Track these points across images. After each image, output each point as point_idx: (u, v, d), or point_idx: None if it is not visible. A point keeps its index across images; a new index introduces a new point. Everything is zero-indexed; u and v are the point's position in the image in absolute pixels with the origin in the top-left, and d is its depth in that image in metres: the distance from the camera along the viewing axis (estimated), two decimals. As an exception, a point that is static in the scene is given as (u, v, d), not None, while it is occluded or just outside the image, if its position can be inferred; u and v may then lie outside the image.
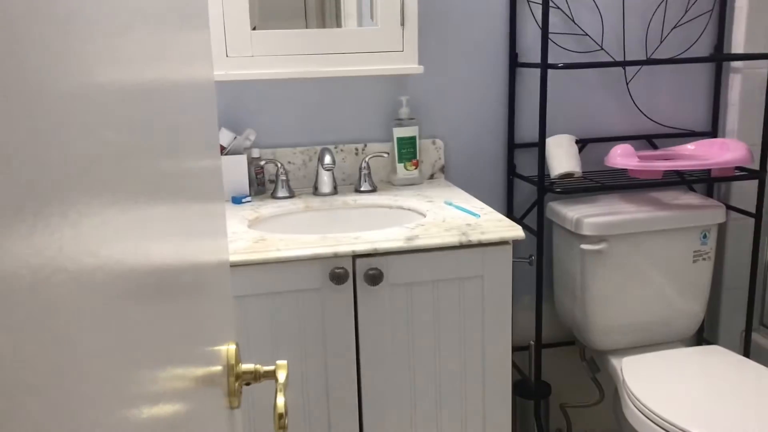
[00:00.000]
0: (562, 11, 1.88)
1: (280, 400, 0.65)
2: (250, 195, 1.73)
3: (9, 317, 0.22)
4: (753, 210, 1.88)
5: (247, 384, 0.71)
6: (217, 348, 0.69)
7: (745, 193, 2.00)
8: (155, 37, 0.49)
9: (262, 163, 1.77)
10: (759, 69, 1.92)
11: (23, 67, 0.25)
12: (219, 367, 0.69)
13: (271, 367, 0.72)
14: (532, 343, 2.02)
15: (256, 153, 1.77)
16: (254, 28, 1.70)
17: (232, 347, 0.72)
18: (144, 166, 0.44)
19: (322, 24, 1.76)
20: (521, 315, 2.04)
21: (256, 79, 1.74)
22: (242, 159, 1.70)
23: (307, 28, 1.74)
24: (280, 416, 0.63)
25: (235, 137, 1.73)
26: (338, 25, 1.76)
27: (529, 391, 1.98)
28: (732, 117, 1.99)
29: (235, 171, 1.70)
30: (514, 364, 2.03)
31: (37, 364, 0.24)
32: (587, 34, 1.90)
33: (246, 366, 0.72)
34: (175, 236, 0.53)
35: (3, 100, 0.23)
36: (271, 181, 1.81)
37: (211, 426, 0.66)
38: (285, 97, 1.80)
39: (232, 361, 0.71)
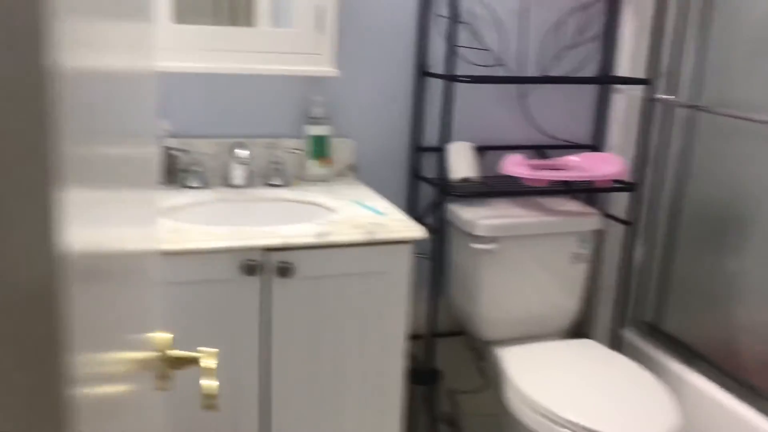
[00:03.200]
0: (468, 26, 2.01)
1: (209, 383, 0.73)
2: (161, 184, 1.77)
3: None
4: (626, 218, 2.10)
5: (177, 369, 0.79)
6: (150, 335, 0.76)
7: (620, 202, 2.22)
8: (117, 26, 0.52)
9: (176, 152, 1.81)
10: (639, 92, 2.13)
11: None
12: (151, 353, 0.76)
13: (200, 354, 0.80)
14: (425, 332, 2.16)
15: (170, 142, 1.80)
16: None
17: (166, 335, 0.80)
18: (97, 151, 0.47)
19: (238, 22, 1.81)
20: (421, 306, 2.18)
21: (174, 71, 1.78)
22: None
23: (222, 25, 1.80)
24: (209, 396, 0.72)
25: (150, 126, 1.75)
26: (254, 24, 1.83)
27: (421, 378, 2.12)
28: (613, 133, 2.20)
29: (149, 159, 1.74)
30: (410, 352, 2.17)
31: None
32: (490, 50, 2.05)
33: (176, 352, 0.80)
34: (130, 223, 0.59)
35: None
36: (184, 171, 1.85)
37: (145, 406, 0.74)
38: (202, 90, 1.85)
39: (165, 347, 0.78)
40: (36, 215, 0.32)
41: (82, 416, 0.38)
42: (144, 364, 0.73)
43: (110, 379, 0.52)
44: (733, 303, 1.95)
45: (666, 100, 2.09)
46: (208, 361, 0.77)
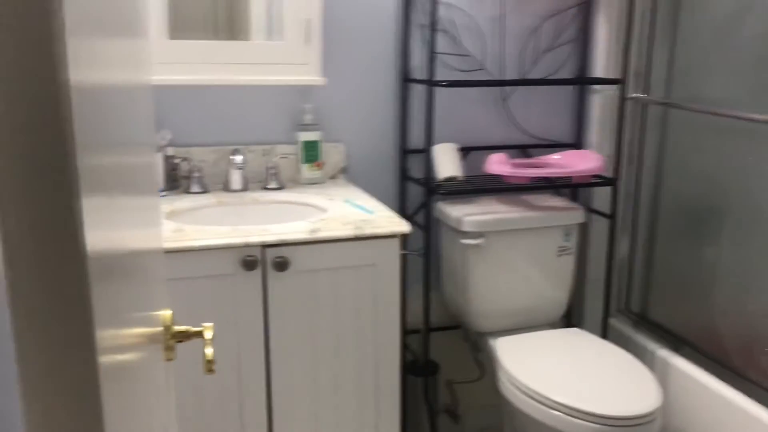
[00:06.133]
0: (448, 33, 2.13)
1: (209, 351, 0.83)
2: (165, 190, 1.88)
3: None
4: (609, 212, 2.20)
5: (180, 341, 0.89)
6: (157, 313, 0.87)
7: (604, 197, 2.32)
8: (118, 43, 0.58)
9: (177, 160, 1.92)
10: (614, 91, 2.24)
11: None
12: (158, 328, 0.87)
13: (200, 329, 0.90)
14: (422, 327, 2.26)
15: (170, 151, 1.91)
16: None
17: (168, 312, 0.90)
18: (109, 161, 0.54)
19: (231, 36, 1.93)
20: (415, 302, 2.27)
21: (173, 84, 1.89)
22: (158, 157, 1.85)
23: (216, 39, 1.91)
24: (209, 362, 0.82)
25: (152, 137, 1.87)
26: (246, 38, 1.94)
27: (419, 370, 2.21)
28: (592, 132, 2.30)
29: (152, 168, 1.85)
30: (407, 346, 2.27)
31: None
32: (470, 55, 2.16)
33: (179, 327, 0.90)
34: (137, 226, 0.69)
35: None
36: (185, 178, 1.96)
37: (154, 373, 0.84)
38: (199, 101, 1.96)
39: (168, 323, 0.89)
40: (62, 220, 0.36)
41: (108, 379, 0.45)
42: (153, 337, 0.83)
43: (127, 349, 0.60)
44: (712, 290, 2.04)
45: (639, 98, 2.20)
46: (209, 333, 0.88)
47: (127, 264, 0.59)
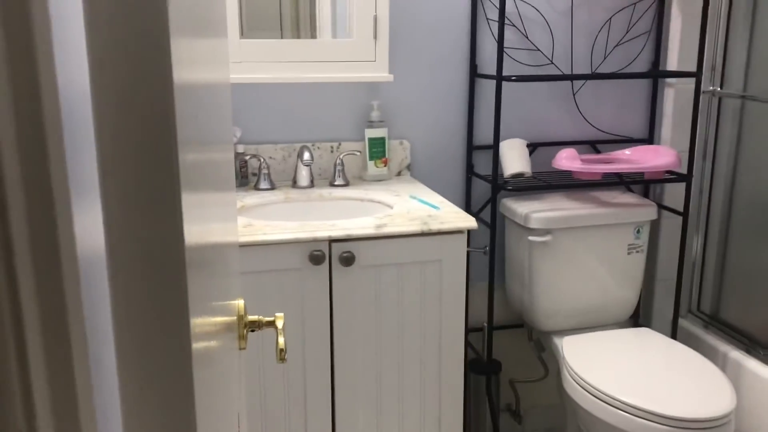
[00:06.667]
0: (517, 28, 2.11)
1: (281, 340, 0.85)
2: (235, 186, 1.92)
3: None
4: (681, 209, 2.13)
5: (252, 330, 0.91)
6: (233, 302, 0.89)
7: (676, 194, 2.25)
8: (207, 42, 0.60)
9: (247, 157, 1.96)
10: (689, 85, 2.17)
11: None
12: (234, 317, 0.89)
13: (272, 318, 0.92)
14: (485, 324, 2.25)
15: (240, 148, 1.96)
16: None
17: (241, 302, 0.92)
18: (207, 157, 0.60)
19: (297, 35, 1.96)
20: (477, 300, 2.27)
21: (243, 83, 1.94)
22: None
23: (285, 38, 1.94)
24: (281, 351, 0.84)
25: (223, 134, 1.92)
26: (312, 36, 1.97)
27: (482, 368, 2.21)
28: (666, 126, 2.24)
29: (223, 164, 1.90)
30: (469, 344, 2.26)
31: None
32: (539, 50, 2.14)
33: (251, 317, 0.92)
34: (219, 220, 0.72)
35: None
36: (254, 175, 2.01)
37: (231, 360, 0.87)
38: (269, 99, 2.00)
39: (242, 312, 0.91)
40: (166, 214, 0.38)
41: (198, 364, 0.47)
42: (229, 326, 0.86)
43: (211, 336, 0.62)
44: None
45: (715, 91, 2.12)
46: (280, 322, 0.90)
47: (212, 256, 0.61)
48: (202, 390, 0.48)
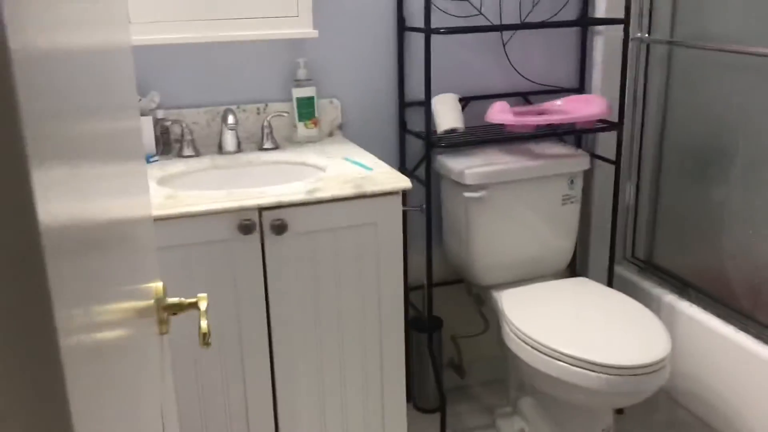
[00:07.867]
0: (445, -21, 2.04)
1: (204, 323, 0.80)
2: (156, 155, 1.83)
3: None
4: (614, 158, 2.14)
5: (174, 314, 0.85)
6: (148, 285, 0.83)
7: (608, 142, 2.26)
8: (83, 4, 0.54)
9: (168, 123, 1.86)
10: (617, 32, 2.16)
11: None
12: (151, 301, 0.83)
13: (194, 300, 0.86)
14: (424, 282, 2.24)
15: (160, 114, 1.86)
16: (155, -6, 1.77)
17: (159, 284, 0.86)
18: (87, 128, 0.51)
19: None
20: (417, 258, 2.25)
21: (159, 44, 1.82)
22: (148, 120, 1.79)
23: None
24: (204, 335, 0.79)
25: (140, 99, 1.81)
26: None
27: (423, 325, 2.20)
28: (596, 75, 2.23)
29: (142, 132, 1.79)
30: (410, 302, 2.25)
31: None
32: (467, 0, 2.08)
33: (172, 299, 0.86)
34: (117, 194, 0.65)
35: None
36: (177, 141, 1.91)
37: (147, 348, 0.81)
38: (187, 60, 1.89)
39: (160, 294, 0.85)
40: (13, 191, 0.34)
41: (76, 359, 0.42)
42: (143, 311, 0.79)
43: (107, 326, 0.57)
44: (719, 233, 2.00)
45: (644, 38, 2.12)
46: (203, 304, 0.84)
47: (104, 235, 0.55)
48: (91, 386, 0.43)
